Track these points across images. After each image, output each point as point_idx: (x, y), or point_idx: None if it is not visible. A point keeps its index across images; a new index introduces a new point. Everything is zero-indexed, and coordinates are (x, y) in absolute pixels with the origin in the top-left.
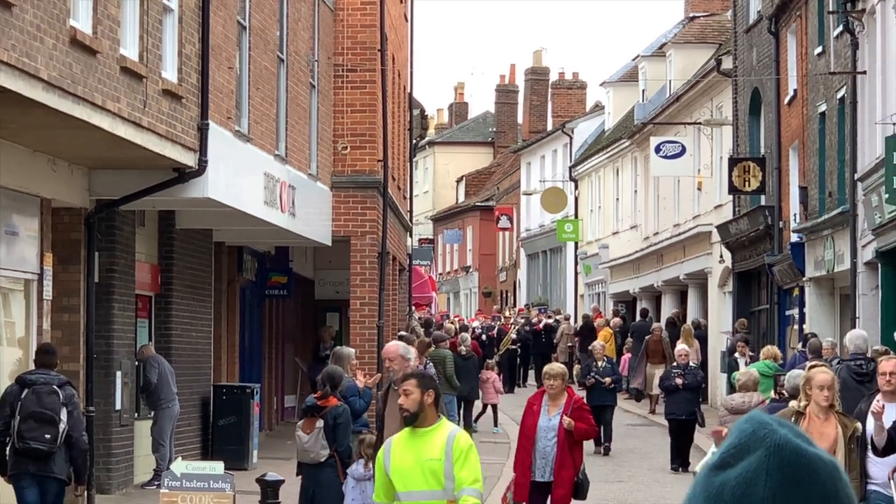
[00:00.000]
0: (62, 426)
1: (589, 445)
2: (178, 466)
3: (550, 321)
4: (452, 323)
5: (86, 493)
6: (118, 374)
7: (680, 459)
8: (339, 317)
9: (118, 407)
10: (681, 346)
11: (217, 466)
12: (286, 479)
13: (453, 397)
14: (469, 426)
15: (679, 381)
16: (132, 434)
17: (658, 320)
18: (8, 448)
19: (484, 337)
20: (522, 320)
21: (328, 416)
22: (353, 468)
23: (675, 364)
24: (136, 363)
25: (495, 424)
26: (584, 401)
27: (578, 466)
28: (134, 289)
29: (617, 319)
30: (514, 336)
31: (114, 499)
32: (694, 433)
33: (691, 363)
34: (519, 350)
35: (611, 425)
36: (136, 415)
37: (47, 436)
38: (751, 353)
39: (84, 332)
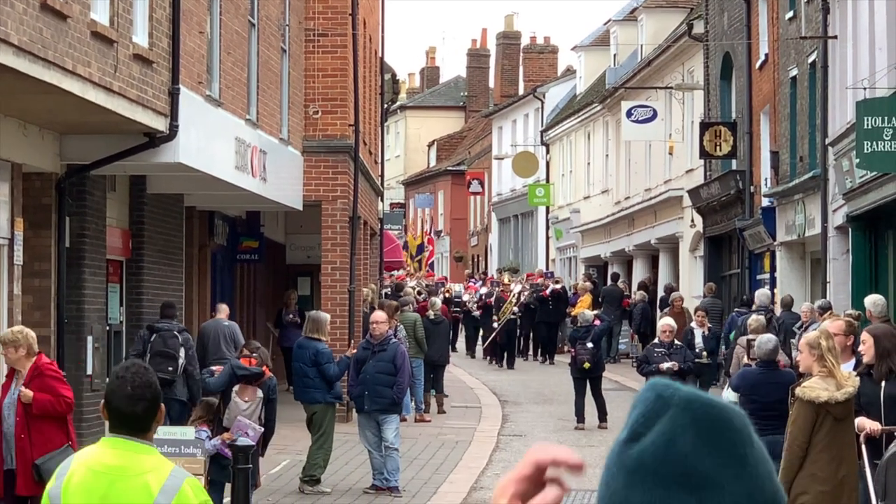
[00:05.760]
0: (181, 361)
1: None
2: None
3: (558, 287)
4: (446, 292)
5: None
6: (89, 338)
7: None
8: (311, 281)
9: (89, 371)
10: (666, 321)
11: (188, 431)
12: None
13: (421, 362)
14: (440, 391)
15: (667, 365)
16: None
17: (630, 285)
18: None
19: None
20: (530, 287)
21: (264, 386)
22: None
23: (656, 342)
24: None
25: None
26: (56, 366)
27: (57, 447)
28: (105, 254)
29: (587, 284)
30: (514, 307)
31: None
32: None
33: (676, 341)
34: (519, 320)
35: None
36: (106, 379)
37: (169, 368)
38: (709, 326)
39: (55, 297)
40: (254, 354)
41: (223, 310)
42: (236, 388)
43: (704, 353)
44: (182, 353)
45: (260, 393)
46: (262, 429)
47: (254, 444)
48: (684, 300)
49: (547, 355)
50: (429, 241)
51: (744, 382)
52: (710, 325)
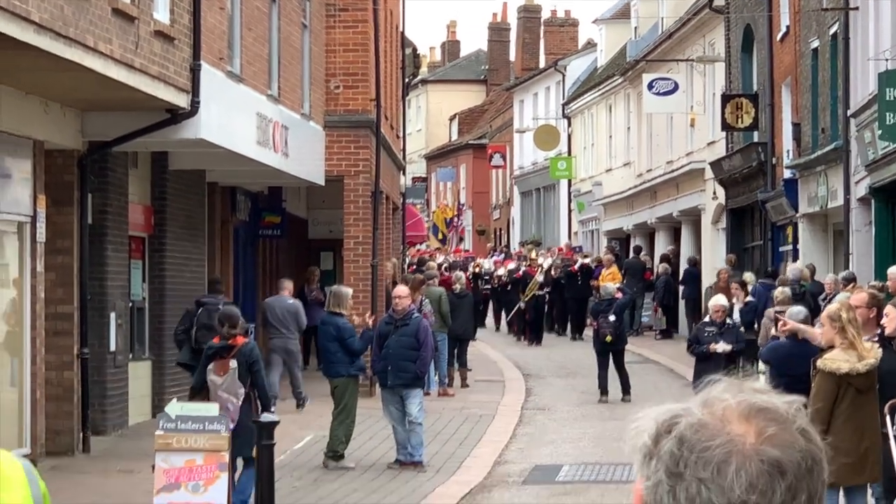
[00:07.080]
0: None
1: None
2: (173, 408)
3: (587, 261)
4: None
5: (82, 434)
6: (112, 315)
7: None
8: (333, 256)
9: (112, 348)
10: (718, 300)
11: (212, 408)
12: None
13: (445, 336)
14: (464, 365)
15: (719, 346)
16: (126, 375)
17: (652, 258)
18: (184, 348)
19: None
20: (561, 262)
21: (240, 355)
22: None
23: (706, 320)
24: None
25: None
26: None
27: None
28: (127, 230)
29: (609, 256)
30: (540, 279)
31: (109, 440)
32: None
33: (728, 320)
34: (547, 296)
35: None
36: (129, 356)
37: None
38: (749, 299)
39: (77, 274)
40: (223, 330)
41: (287, 286)
42: (210, 366)
43: (742, 329)
44: None
45: (233, 364)
46: (240, 402)
47: (278, 420)
48: (729, 273)
49: (576, 331)
50: (456, 215)
51: (774, 356)
52: (749, 299)
